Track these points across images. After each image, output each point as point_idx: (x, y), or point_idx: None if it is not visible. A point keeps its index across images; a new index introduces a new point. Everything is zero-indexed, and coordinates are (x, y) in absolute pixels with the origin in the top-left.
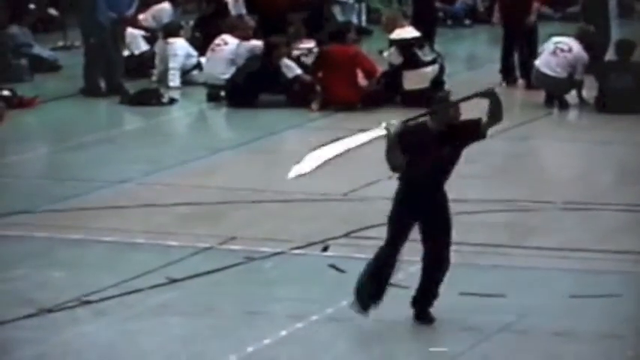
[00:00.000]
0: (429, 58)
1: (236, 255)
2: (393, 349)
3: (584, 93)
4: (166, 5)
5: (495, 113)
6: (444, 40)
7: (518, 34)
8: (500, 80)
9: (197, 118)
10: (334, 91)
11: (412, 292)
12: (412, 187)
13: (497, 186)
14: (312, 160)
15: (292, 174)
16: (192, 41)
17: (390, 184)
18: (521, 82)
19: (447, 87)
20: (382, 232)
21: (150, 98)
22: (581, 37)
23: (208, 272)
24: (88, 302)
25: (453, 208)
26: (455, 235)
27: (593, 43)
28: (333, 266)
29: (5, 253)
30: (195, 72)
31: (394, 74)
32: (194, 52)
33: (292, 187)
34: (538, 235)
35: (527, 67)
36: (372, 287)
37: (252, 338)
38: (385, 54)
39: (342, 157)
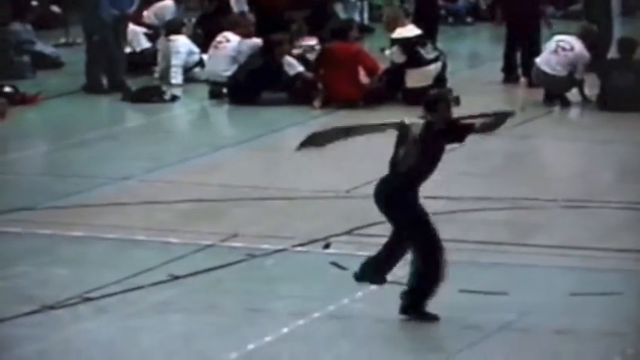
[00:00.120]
0: (431, 56)
1: (238, 252)
2: (394, 346)
3: (587, 91)
4: (169, 2)
5: (491, 128)
6: (446, 38)
7: (522, 33)
8: (502, 79)
9: (199, 115)
10: (336, 89)
11: None
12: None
13: (497, 184)
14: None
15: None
16: (194, 38)
17: None
18: (523, 80)
19: (448, 85)
20: (384, 230)
21: (152, 95)
22: (583, 36)
23: (210, 269)
24: (90, 299)
25: (454, 206)
26: (456, 233)
27: (595, 42)
28: (334, 264)
29: (6, 250)
30: (197, 69)
31: (396, 72)
32: (196, 50)
33: (294, 185)
34: (539, 233)
35: (529, 66)
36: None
37: (253, 335)
38: (387, 52)
39: (343, 154)
